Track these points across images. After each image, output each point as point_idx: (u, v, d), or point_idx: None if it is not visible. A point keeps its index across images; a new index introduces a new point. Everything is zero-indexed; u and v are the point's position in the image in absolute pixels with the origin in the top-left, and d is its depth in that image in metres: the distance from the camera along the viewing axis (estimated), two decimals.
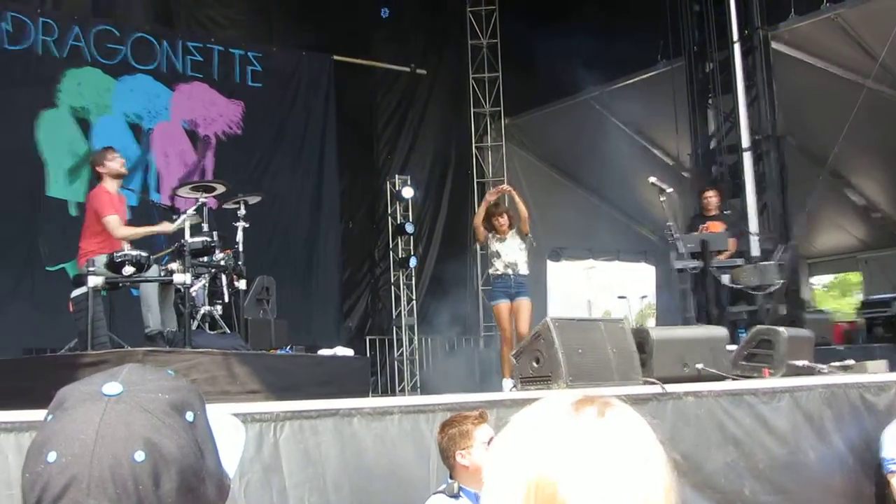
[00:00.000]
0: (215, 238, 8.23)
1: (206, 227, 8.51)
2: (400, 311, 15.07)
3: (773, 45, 12.86)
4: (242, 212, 8.89)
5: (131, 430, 1.20)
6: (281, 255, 13.37)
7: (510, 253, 10.48)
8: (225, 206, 9.30)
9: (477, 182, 16.63)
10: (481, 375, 13.40)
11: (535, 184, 16.31)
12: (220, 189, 8.81)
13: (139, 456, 1.19)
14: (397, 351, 14.97)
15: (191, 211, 7.95)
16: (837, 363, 7.65)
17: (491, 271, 10.69)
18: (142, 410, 1.22)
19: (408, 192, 15.01)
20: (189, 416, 1.27)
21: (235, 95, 13.71)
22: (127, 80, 12.69)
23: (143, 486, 1.19)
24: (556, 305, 17.25)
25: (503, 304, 10.39)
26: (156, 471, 1.20)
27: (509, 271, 10.41)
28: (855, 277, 19.60)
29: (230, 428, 1.39)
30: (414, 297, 15.16)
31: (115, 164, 8.20)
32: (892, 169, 14.48)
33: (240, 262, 8.61)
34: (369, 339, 14.71)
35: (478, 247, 15.51)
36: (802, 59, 13.05)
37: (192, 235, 7.81)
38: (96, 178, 8.31)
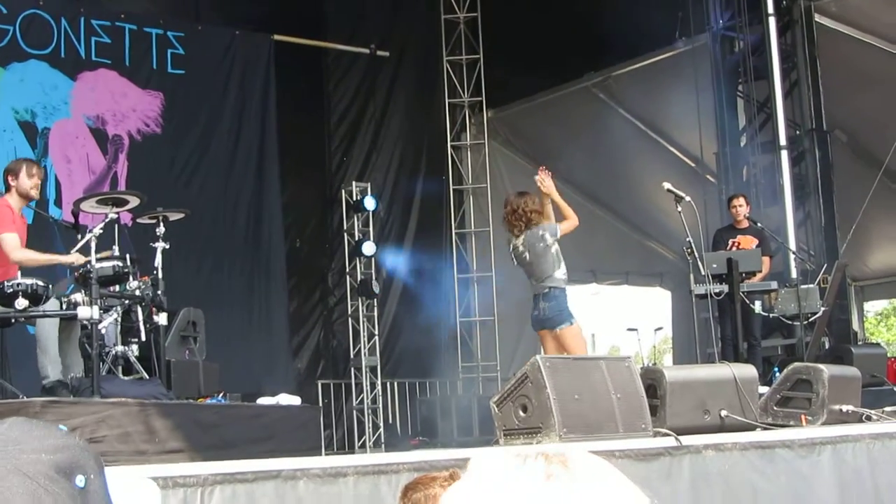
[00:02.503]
0: (129, 262, 8.28)
1: (117, 248, 8.56)
2: (359, 350, 15.05)
3: (817, 18, 13.01)
4: (162, 230, 8.92)
5: (6, 498, 1.19)
6: (211, 282, 13.41)
7: None
8: (140, 220, 9.36)
9: (454, 189, 16.71)
10: (460, 428, 13.46)
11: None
12: (134, 202, 8.85)
13: None
14: (356, 398, 14.99)
15: (97, 229, 7.99)
16: (892, 408, 7.76)
17: (558, 279, 9.64)
18: (20, 475, 1.21)
19: (369, 204, 15.03)
20: (79, 480, 1.26)
21: (152, 85, 13.72)
22: (16, 67, 12.66)
23: None
24: None
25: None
26: None
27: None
28: None
29: (140, 494, 1.43)
30: (377, 332, 15.17)
31: (31, 182, 8.36)
32: None
33: (159, 292, 8.63)
34: (321, 384, 14.74)
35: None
36: (853, 36, 13.21)
37: (99, 259, 7.87)
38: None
